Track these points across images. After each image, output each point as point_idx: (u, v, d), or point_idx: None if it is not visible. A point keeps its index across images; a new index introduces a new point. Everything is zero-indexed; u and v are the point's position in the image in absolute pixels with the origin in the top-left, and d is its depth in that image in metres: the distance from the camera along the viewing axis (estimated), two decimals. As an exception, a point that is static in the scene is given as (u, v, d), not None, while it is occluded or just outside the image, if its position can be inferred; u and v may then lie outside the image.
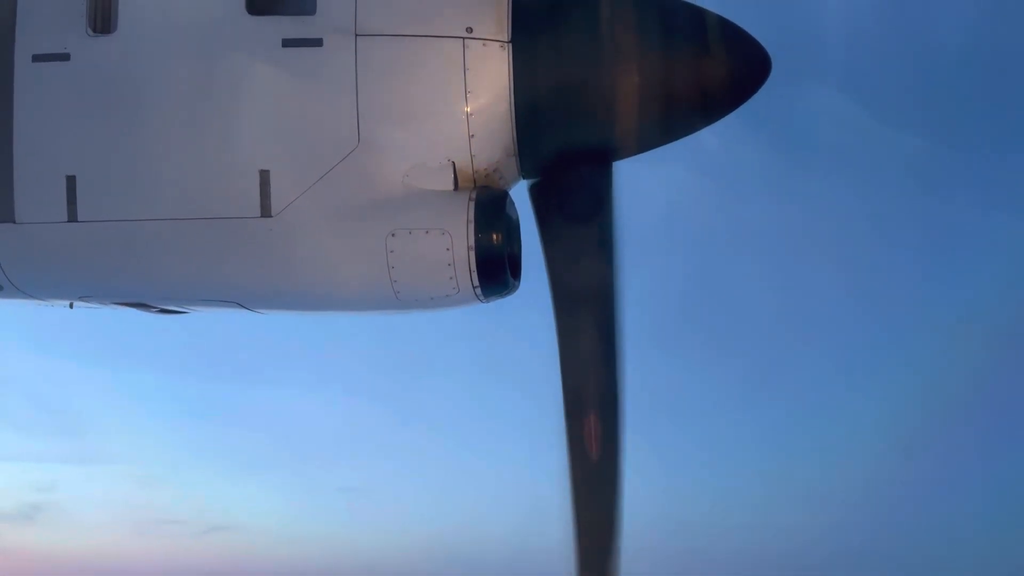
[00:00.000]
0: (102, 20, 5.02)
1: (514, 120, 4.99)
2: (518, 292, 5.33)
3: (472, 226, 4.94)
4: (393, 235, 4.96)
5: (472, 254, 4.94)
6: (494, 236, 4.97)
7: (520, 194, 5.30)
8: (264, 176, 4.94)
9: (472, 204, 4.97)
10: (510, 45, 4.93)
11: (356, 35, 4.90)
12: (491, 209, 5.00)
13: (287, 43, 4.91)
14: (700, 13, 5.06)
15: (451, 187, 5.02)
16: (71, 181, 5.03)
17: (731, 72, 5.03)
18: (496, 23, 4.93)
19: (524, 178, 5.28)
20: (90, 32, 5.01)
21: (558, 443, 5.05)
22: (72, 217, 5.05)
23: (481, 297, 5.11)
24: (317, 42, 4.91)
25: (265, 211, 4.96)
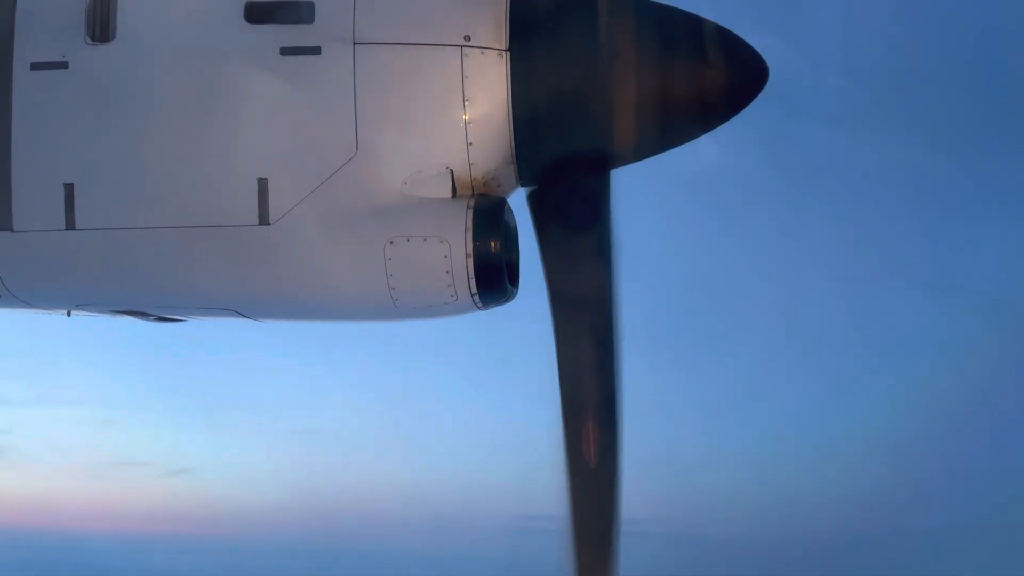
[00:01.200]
0: (101, 28, 5.01)
1: (512, 128, 5.00)
2: (516, 299, 5.33)
3: (470, 234, 4.94)
4: (391, 243, 4.96)
5: (470, 262, 4.94)
6: (492, 244, 4.97)
7: (518, 202, 5.31)
8: (262, 184, 4.94)
9: (470, 212, 4.97)
10: (508, 53, 4.94)
11: (354, 43, 4.90)
12: (489, 217, 5.00)
13: (285, 51, 4.91)
14: (697, 21, 5.07)
15: (449, 195, 5.02)
16: (69, 189, 5.02)
17: (729, 80, 5.05)
18: (494, 31, 4.94)
19: (522, 186, 5.28)
20: (88, 40, 5.00)
21: (556, 449, 5.05)
22: (70, 225, 5.04)
23: (479, 305, 5.11)
24: (315, 50, 4.91)
25: (263, 219, 4.95)
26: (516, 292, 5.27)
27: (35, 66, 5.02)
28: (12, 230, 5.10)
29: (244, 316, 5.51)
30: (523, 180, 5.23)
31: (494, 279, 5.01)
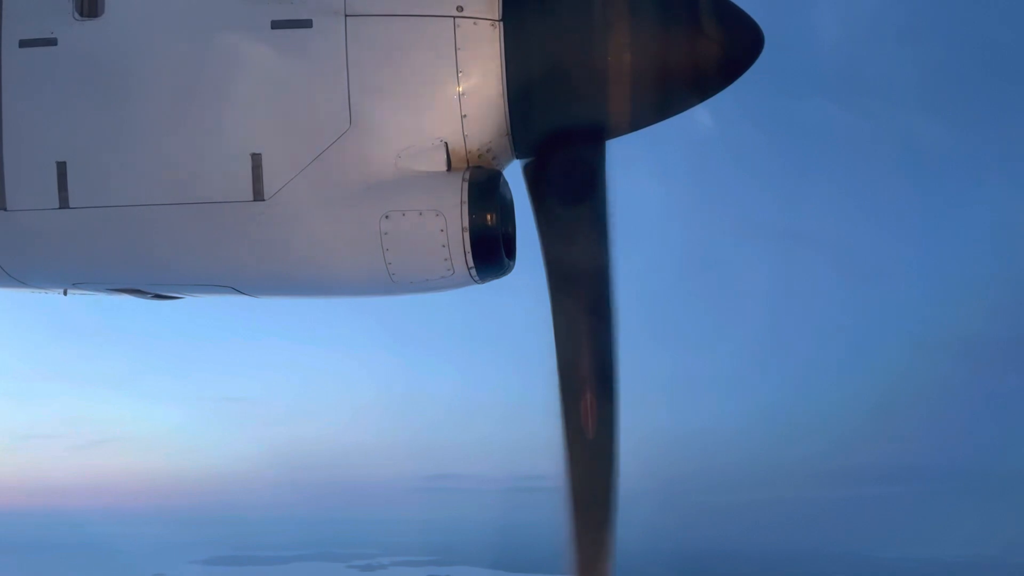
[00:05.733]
0: (88, 4, 4.95)
1: (506, 99, 4.96)
2: (512, 271, 5.33)
3: (466, 207, 4.92)
4: (387, 217, 4.94)
5: (466, 235, 4.92)
6: (488, 216, 4.95)
7: (514, 174, 5.29)
8: (256, 159, 4.91)
9: (465, 185, 4.95)
10: (501, 23, 4.89)
11: (346, 15, 4.85)
12: (485, 189, 4.98)
13: (276, 25, 4.86)
14: None
15: (444, 168, 4.99)
16: (62, 167, 4.99)
17: (724, 48, 5.00)
18: (486, 1, 4.89)
19: (517, 158, 5.25)
20: (76, 16, 4.95)
21: (553, 420, 5.09)
22: (64, 204, 5.01)
23: (476, 278, 5.10)
24: (306, 23, 4.86)
25: (258, 195, 4.93)
26: (513, 265, 5.26)
27: (23, 43, 4.96)
28: (5, 209, 5.07)
29: (241, 292, 5.50)
30: (518, 152, 5.20)
31: (491, 252, 5.00)
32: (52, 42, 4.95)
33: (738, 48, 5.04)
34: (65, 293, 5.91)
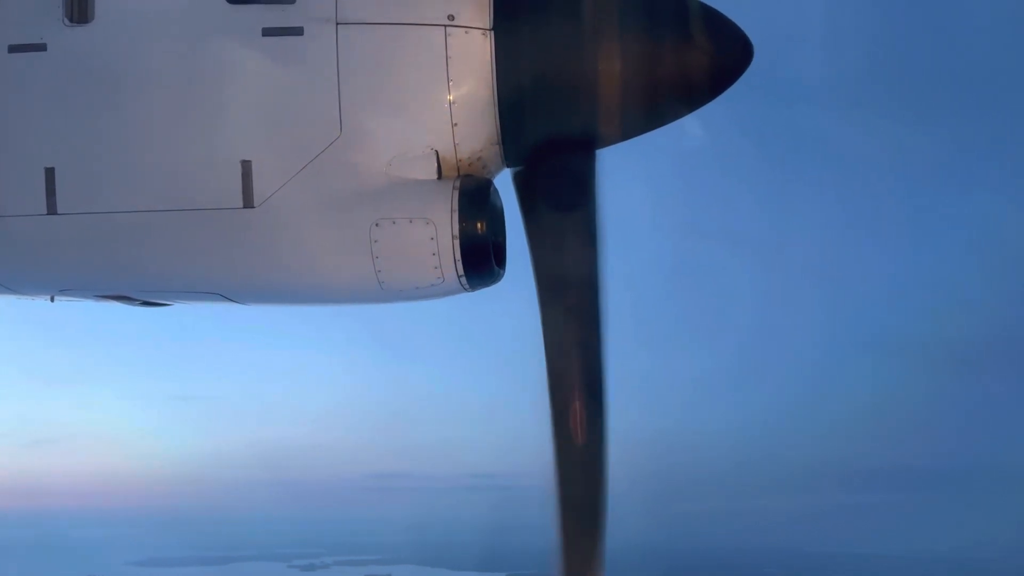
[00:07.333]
0: (79, 10, 4.94)
1: (497, 108, 4.98)
2: (503, 280, 5.33)
3: (456, 215, 4.93)
4: (377, 225, 4.95)
5: (457, 243, 4.93)
6: (478, 225, 4.96)
7: (504, 182, 5.30)
8: (246, 167, 4.91)
9: (456, 193, 4.96)
10: (492, 33, 4.91)
11: (337, 23, 4.86)
12: (475, 198, 4.99)
13: (267, 32, 4.87)
14: (682, 0, 5.05)
15: (434, 176, 5.00)
16: (50, 173, 4.97)
17: (713, 59, 5.04)
18: (478, 10, 4.90)
19: (508, 166, 5.27)
20: (67, 22, 4.94)
21: (543, 427, 5.09)
22: (52, 210, 4.99)
23: (466, 286, 5.11)
24: (298, 31, 4.87)
25: (248, 202, 4.93)
26: (503, 273, 5.27)
27: (13, 48, 4.95)
28: None
29: (230, 300, 5.49)
30: (509, 161, 5.22)
31: (481, 260, 5.01)
32: (42, 48, 4.94)
33: (727, 59, 5.08)
34: (52, 300, 5.89)
